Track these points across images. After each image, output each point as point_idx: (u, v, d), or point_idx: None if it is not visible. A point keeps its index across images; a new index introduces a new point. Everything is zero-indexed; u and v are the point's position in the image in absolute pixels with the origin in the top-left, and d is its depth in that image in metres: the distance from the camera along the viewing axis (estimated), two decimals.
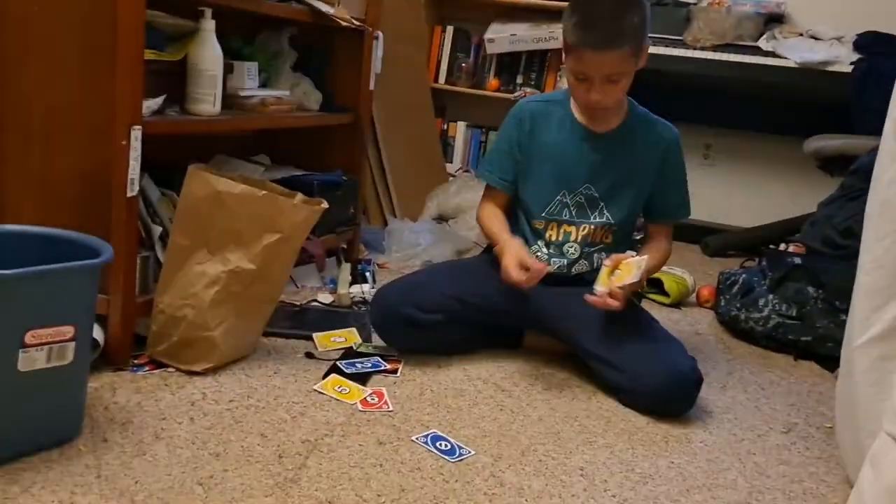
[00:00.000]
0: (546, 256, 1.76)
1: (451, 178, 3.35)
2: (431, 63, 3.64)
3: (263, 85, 2.03)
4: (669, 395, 1.57)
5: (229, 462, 1.24)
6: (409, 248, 2.55)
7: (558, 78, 3.43)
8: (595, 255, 1.77)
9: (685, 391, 1.58)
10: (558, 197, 1.75)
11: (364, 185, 2.52)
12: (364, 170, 2.49)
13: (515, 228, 1.79)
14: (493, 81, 3.57)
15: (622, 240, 1.80)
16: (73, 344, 1.20)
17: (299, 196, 1.59)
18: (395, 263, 2.50)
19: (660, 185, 1.78)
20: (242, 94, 1.89)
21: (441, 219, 3.02)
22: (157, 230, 1.65)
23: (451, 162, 3.68)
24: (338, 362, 1.66)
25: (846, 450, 1.40)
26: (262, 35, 2.14)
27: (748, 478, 1.38)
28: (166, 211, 1.69)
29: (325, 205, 1.61)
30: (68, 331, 1.19)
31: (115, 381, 1.46)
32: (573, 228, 1.75)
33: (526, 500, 1.23)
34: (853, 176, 2.14)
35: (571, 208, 1.75)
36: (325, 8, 2.00)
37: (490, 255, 1.80)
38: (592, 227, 1.75)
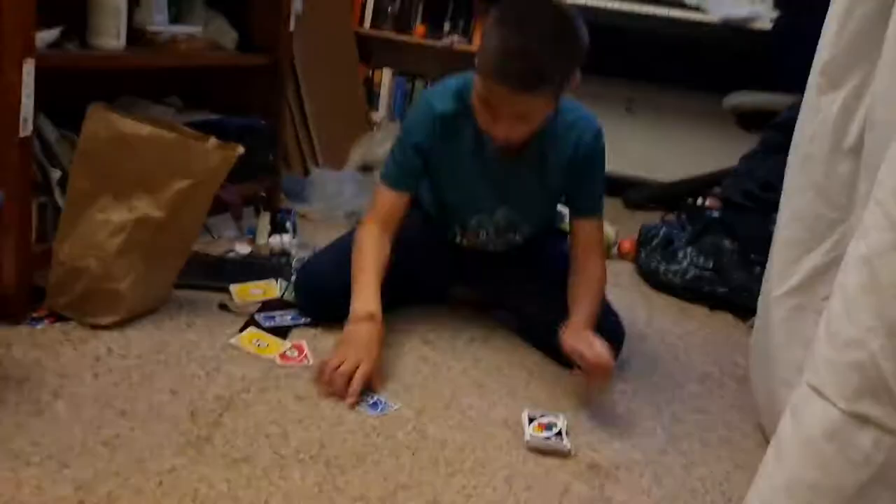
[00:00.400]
0: (460, 239, 1.70)
1: (376, 127, 3.27)
2: (356, 6, 3.51)
3: (174, 20, 1.90)
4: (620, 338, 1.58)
5: (136, 420, 1.17)
6: (333, 198, 2.47)
7: None
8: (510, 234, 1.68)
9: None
10: (473, 220, 1.64)
11: (284, 130, 2.42)
12: (284, 115, 2.38)
13: (430, 206, 1.69)
14: (419, 28, 3.47)
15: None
16: None
17: (212, 140, 1.50)
18: (317, 214, 2.43)
19: (572, 183, 1.59)
20: (150, 29, 1.76)
21: (366, 168, 2.94)
22: (56, 174, 1.54)
23: (377, 110, 3.58)
24: (255, 315, 1.59)
25: (759, 397, 1.44)
26: None
27: (666, 427, 1.41)
28: (66, 154, 1.57)
29: (241, 149, 1.52)
30: None
31: (10, 336, 1.36)
32: (486, 235, 1.67)
33: (449, 453, 1.21)
34: (774, 130, 2.18)
35: (487, 230, 1.65)
36: None
37: (417, 211, 1.66)
38: (498, 240, 1.67)
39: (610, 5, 3.05)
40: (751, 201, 2.10)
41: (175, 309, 1.58)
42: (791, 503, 0.84)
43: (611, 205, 3.26)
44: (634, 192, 3.26)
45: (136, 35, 1.72)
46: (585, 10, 3.02)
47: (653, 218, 2.73)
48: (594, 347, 1.36)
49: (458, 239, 1.69)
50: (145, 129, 1.39)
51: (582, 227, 1.60)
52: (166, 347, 1.42)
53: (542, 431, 1.29)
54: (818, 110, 1.25)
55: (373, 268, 1.47)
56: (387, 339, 1.59)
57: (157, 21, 1.80)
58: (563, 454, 1.26)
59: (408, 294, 1.76)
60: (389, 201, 1.54)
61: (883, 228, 0.77)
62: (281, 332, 1.54)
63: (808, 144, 1.25)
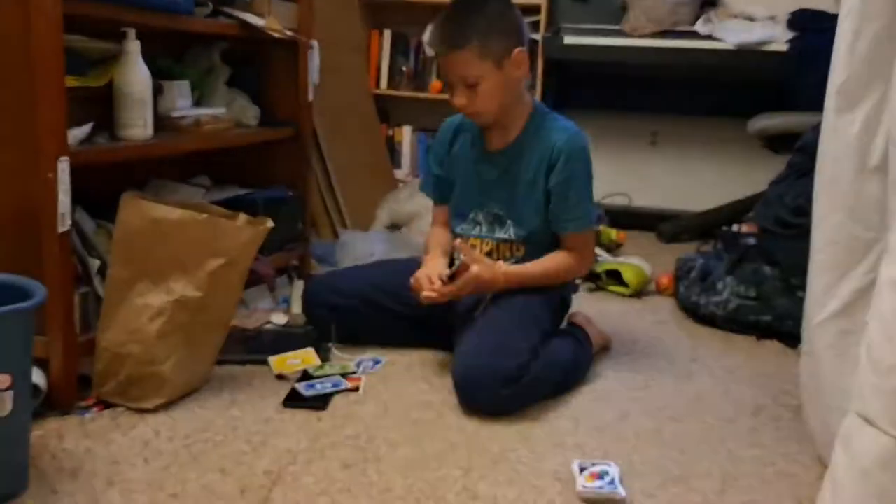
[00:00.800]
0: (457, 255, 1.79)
1: (401, 185, 3.31)
2: (372, 69, 3.60)
3: (197, 103, 1.97)
4: (463, 384, 1.53)
5: (188, 502, 1.17)
6: (363, 259, 2.49)
7: None
8: (500, 230, 1.78)
9: (478, 382, 1.50)
10: (471, 215, 1.80)
11: (311, 198, 2.46)
12: (310, 183, 2.43)
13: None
14: (435, 83, 3.53)
15: (537, 254, 1.74)
16: (10, 393, 1.12)
17: (242, 217, 1.54)
18: None
19: (550, 193, 1.71)
20: (175, 114, 1.82)
21: (394, 226, 2.97)
22: (95, 264, 1.58)
23: (400, 168, 3.63)
24: (295, 385, 1.60)
25: (814, 426, 1.40)
26: (191, 52, 2.07)
27: (722, 465, 1.37)
28: (103, 243, 1.61)
29: (270, 224, 1.55)
30: (4, 380, 1.12)
31: (61, 427, 1.39)
32: (479, 243, 1.79)
33: None
34: (799, 153, 2.16)
35: (482, 226, 1.79)
36: (254, 20, 1.95)
37: None
38: (495, 242, 1.78)
39: (627, 43, 3.07)
40: (784, 227, 2.06)
41: (217, 386, 1.60)
42: None
43: (644, 239, 3.24)
44: (667, 225, 3.22)
45: (162, 122, 1.78)
46: (601, 49, 3.06)
47: (688, 250, 2.70)
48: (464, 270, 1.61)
49: (456, 257, 1.76)
50: (176, 214, 1.43)
51: (565, 238, 1.75)
52: (212, 426, 1.43)
53: (594, 481, 1.27)
54: (838, 131, 1.24)
55: (433, 249, 1.79)
56: (427, 397, 1.59)
57: (181, 106, 1.86)
58: (617, 503, 1.23)
59: (420, 337, 1.84)
60: (437, 212, 1.91)
61: None
62: (323, 399, 1.55)
63: (833, 166, 1.24)
